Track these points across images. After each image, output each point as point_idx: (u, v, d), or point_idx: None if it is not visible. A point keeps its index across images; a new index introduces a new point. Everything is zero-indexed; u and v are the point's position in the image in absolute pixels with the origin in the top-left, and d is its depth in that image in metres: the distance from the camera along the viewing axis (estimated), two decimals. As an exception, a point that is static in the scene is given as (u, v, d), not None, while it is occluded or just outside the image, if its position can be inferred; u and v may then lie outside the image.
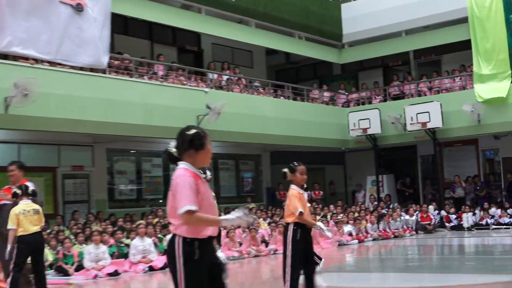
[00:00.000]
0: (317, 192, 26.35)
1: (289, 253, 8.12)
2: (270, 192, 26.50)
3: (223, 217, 5.23)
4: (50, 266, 13.62)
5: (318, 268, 11.56)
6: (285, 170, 8.23)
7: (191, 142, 5.23)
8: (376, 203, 25.34)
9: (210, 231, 5.11)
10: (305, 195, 8.35)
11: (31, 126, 16.05)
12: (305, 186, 8.52)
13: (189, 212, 4.87)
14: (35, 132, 17.21)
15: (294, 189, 8.15)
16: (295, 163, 8.25)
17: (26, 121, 15.76)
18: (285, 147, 24.86)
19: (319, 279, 10.82)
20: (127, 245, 14.77)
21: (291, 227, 8.13)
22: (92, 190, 20.40)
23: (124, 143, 20.76)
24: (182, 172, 5.10)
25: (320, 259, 11.86)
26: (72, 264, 13.68)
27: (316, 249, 17.48)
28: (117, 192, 21.38)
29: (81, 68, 17.23)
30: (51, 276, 12.93)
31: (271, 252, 17.01)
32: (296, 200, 8.01)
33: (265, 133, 22.44)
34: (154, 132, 18.77)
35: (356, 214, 21.58)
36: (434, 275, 12.20)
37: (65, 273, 13.42)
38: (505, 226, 21.75)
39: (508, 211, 22.33)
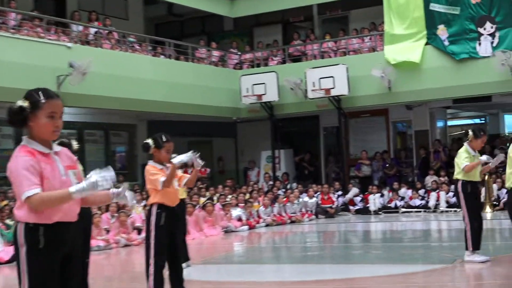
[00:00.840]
0: (202, 170, 26.17)
1: (152, 241, 7.85)
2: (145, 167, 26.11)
3: (76, 186, 4.61)
4: None
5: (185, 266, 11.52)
6: (149, 141, 7.89)
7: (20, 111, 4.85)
8: (271, 182, 25.50)
9: (59, 215, 4.82)
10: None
11: None
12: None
13: (30, 198, 4.62)
14: None
15: (152, 166, 7.92)
16: (163, 138, 7.89)
17: None
18: (165, 115, 24.48)
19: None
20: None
21: (154, 210, 7.83)
22: None
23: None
24: (16, 152, 4.80)
25: (188, 259, 11.50)
26: None
27: (199, 236, 17.63)
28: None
29: None
30: None
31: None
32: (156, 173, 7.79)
33: (141, 98, 21.98)
34: (2, 95, 18.07)
35: (248, 196, 21.63)
36: (334, 266, 12.18)
37: None
38: (415, 209, 22.35)
39: (420, 192, 22.98)
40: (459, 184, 10.41)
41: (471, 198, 10.50)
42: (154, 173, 7.69)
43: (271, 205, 21.07)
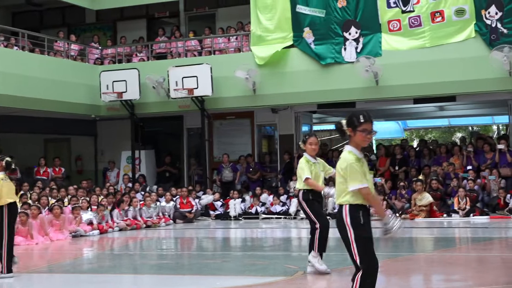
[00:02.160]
0: (57, 169, 24.96)
1: None
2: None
3: None
4: None
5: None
6: None
7: None
8: (130, 184, 24.55)
9: None
10: None
11: None
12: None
13: None
14: None
15: None
16: None
17: None
18: (17, 110, 23.11)
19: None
20: None
21: None
22: None
23: None
24: None
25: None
26: None
27: (44, 241, 16.51)
28: None
29: None
30: None
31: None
32: None
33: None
34: None
35: (102, 198, 20.60)
36: (167, 277, 11.62)
37: None
38: (276, 216, 21.85)
39: (282, 198, 22.52)
40: (300, 194, 10.35)
41: (314, 203, 10.38)
42: None
43: (115, 208, 20.00)
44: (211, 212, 22.97)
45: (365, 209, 6.22)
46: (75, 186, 21.83)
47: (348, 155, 6.21)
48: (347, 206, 6.19)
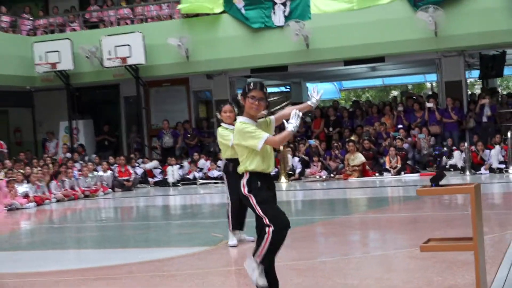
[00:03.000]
0: (-4, 143, 24.63)
1: None
2: None
3: None
4: None
5: None
6: None
7: None
8: (69, 154, 24.36)
9: None
10: None
11: None
12: None
13: None
14: None
15: None
16: None
17: None
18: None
19: None
20: None
21: None
22: None
23: None
24: None
25: None
26: None
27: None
28: None
29: None
30: None
31: None
32: None
33: None
34: None
35: (38, 169, 20.36)
36: (89, 252, 11.29)
37: None
38: (214, 181, 21.84)
39: (219, 163, 22.53)
40: (223, 164, 9.96)
41: (233, 177, 9.94)
42: None
43: (53, 179, 19.76)
44: (150, 179, 22.88)
45: (263, 176, 6.14)
46: (14, 158, 21.65)
47: (239, 124, 6.16)
48: (247, 174, 6.16)
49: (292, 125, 5.97)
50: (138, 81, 23.78)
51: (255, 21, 22.12)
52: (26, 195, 18.43)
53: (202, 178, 22.21)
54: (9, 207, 17.55)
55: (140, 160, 23.84)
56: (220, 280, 7.68)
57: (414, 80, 35.71)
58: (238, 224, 9.91)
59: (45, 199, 18.91)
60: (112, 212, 18.21)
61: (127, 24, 24.72)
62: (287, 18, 21.70)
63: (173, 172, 22.32)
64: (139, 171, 22.95)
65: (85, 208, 18.31)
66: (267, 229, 6.04)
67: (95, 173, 21.60)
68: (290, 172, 21.23)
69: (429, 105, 22.03)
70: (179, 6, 22.84)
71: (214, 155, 23.17)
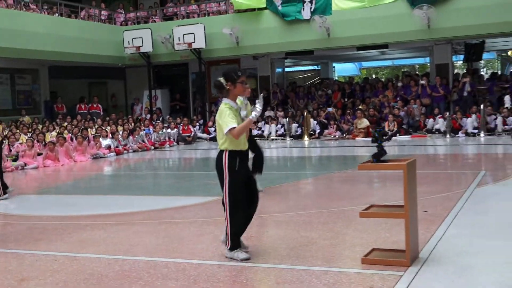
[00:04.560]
0: (95, 106, 24.65)
1: None
2: (48, 105, 24.44)
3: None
4: None
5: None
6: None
7: None
8: (149, 115, 24.26)
9: None
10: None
11: None
12: None
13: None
14: None
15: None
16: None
17: None
18: (63, 62, 22.84)
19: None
20: None
21: None
22: None
23: None
24: None
25: (6, 188, 10.27)
26: None
27: (69, 163, 16.22)
28: None
29: None
30: None
31: (19, 168, 15.33)
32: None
33: (34, 49, 20.28)
34: None
35: (120, 128, 20.28)
36: (135, 197, 10.18)
37: None
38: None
39: (259, 124, 22.11)
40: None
41: None
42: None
43: (130, 135, 19.57)
44: (206, 136, 22.51)
45: (242, 154, 5.63)
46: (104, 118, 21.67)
47: (223, 105, 5.70)
48: (227, 152, 5.67)
49: (253, 115, 5.47)
50: (200, 61, 23.37)
51: (288, 15, 21.38)
52: (108, 147, 18.37)
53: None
54: (94, 155, 17.51)
55: (201, 121, 23.60)
56: (210, 229, 6.99)
57: (418, 61, 34.55)
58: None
59: (124, 150, 18.84)
60: (167, 162, 17.51)
61: (193, 17, 24.23)
62: (313, 13, 20.92)
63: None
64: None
65: (149, 159, 17.79)
66: (225, 214, 5.58)
67: (165, 130, 21.43)
68: (311, 132, 20.70)
69: (422, 82, 21.21)
70: (232, 0, 22.24)
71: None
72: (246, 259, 5.54)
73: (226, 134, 5.49)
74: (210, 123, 22.53)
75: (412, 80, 21.98)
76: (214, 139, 21.95)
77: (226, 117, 5.51)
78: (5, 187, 10.23)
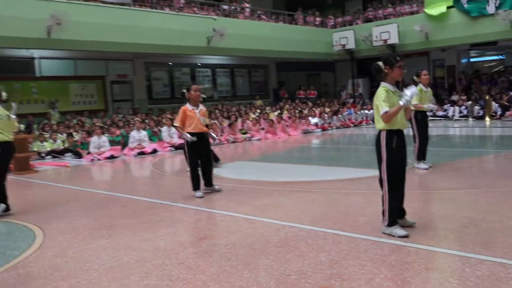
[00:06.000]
0: (312, 92, 24.19)
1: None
2: (275, 91, 24.56)
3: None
4: (64, 151, 12.52)
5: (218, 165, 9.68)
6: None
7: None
8: (352, 99, 23.09)
9: None
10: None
11: (68, 46, 14.55)
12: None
13: None
14: (87, 51, 15.48)
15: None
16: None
17: (64, 43, 14.29)
18: (286, 59, 22.66)
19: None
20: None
21: None
22: (134, 92, 19.06)
23: (159, 57, 19.08)
24: None
25: (218, 160, 9.78)
26: (86, 149, 12.49)
27: (284, 136, 15.87)
28: (154, 93, 19.95)
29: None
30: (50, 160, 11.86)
31: (247, 139, 15.38)
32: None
33: (266, 49, 20.30)
34: (169, 49, 16.97)
35: (327, 109, 19.49)
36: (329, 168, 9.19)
37: (80, 156, 12.28)
38: (438, 118, 19.04)
39: (444, 106, 19.69)
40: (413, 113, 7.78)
41: (422, 122, 7.87)
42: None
43: (335, 114, 18.58)
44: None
45: (399, 133, 4.55)
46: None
47: (381, 88, 4.59)
48: (384, 131, 4.59)
49: (402, 101, 4.36)
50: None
51: (473, 11, 18.50)
52: (316, 124, 17.70)
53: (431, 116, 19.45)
54: (304, 131, 16.94)
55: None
56: (378, 201, 5.13)
57: None
58: (422, 156, 8.08)
59: (328, 127, 18.04)
60: (362, 138, 15.79)
61: (389, 18, 22.29)
62: (497, 7, 17.82)
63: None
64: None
65: (349, 134, 16.55)
66: (382, 192, 4.53)
67: (363, 111, 20.12)
68: (492, 114, 17.77)
69: None
70: (426, 10, 19.87)
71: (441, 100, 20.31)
72: (404, 236, 4.41)
73: (381, 116, 4.46)
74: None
75: None
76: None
77: (381, 101, 4.48)
78: (216, 160, 9.73)
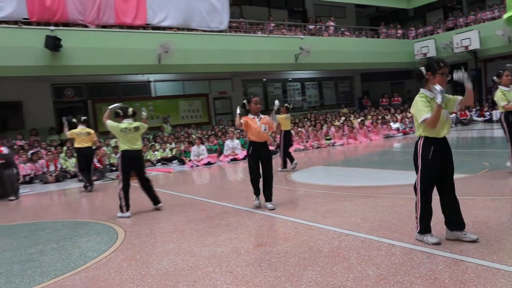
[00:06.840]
0: (396, 99, 22.64)
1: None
2: (360, 100, 23.36)
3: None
4: (171, 158, 12.77)
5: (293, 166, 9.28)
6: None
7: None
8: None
9: None
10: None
11: (175, 70, 14.96)
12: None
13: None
14: (193, 73, 15.87)
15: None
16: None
17: (171, 68, 14.72)
18: (370, 69, 21.42)
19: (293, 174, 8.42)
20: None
21: None
22: (233, 106, 19.16)
23: (254, 75, 19.02)
24: None
25: (292, 160, 9.35)
26: (189, 157, 12.63)
27: (366, 141, 14.88)
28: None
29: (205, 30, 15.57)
30: (159, 166, 12.08)
31: (330, 144, 14.63)
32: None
33: (349, 62, 19.38)
34: (262, 67, 16.79)
35: (409, 114, 17.99)
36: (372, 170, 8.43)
37: (183, 163, 12.46)
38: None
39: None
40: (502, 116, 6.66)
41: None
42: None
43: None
44: (481, 119, 18.52)
45: (438, 142, 3.80)
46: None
47: (418, 97, 3.83)
48: (422, 139, 3.83)
49: (438, 99, 3.66)
50: (476, 59, 19.35)
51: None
52: (397, 129, 16.40)
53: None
54: (385, 135, 15.76)
55: (478, 107, 19.54)
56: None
57: None
58: None
59: (410, 131, 16.60)
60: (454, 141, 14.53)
61: (470, 25, 20.11)
62: None
63: (496, 114, 17.68)
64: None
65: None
66: (416, 199, 3.90)
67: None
68: None
69: None
70: (505, 16, 17.65)
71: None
72: (437, 244, 3.77)
73: (421, 123, 3.78)
74: (485, 108, 18.52)
75: None
76: (488, 121, 18.05)
77: (419, 108, 3.78)
78: (291, 159, 9.38)
